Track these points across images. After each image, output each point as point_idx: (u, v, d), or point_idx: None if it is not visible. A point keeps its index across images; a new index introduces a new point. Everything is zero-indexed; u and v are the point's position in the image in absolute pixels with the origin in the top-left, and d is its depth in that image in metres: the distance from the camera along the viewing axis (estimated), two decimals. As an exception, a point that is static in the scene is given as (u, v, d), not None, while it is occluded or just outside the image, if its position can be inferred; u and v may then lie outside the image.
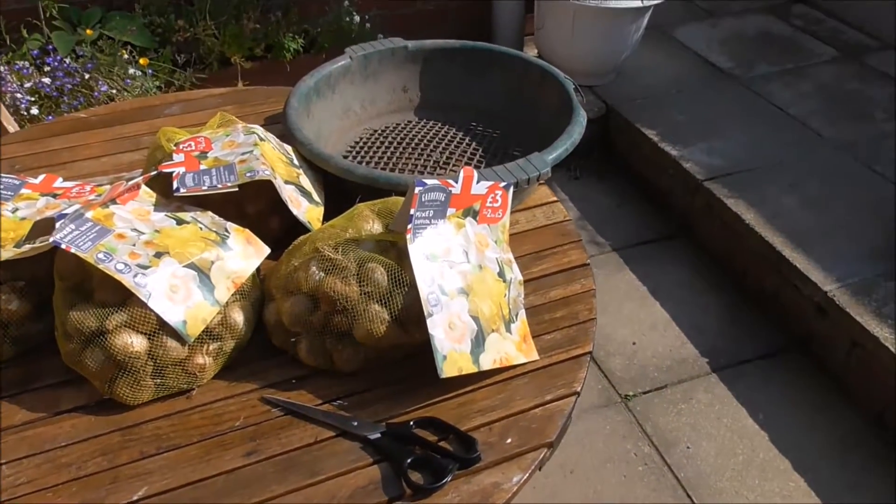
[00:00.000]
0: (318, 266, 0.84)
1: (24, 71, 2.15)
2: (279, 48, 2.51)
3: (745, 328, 2.08)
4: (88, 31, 2.26)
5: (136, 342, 0.80)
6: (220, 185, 0.90)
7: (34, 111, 2.07)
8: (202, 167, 0.94)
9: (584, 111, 1.11)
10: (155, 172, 0.92)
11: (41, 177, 1.02)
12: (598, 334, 2.11)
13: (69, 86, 2.13)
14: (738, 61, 2.90)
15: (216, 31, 2.44)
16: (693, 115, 2.58)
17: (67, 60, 2.18)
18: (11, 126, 1.88)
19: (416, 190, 0.83)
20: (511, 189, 0.90)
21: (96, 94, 2.13)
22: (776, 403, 1.87)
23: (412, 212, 0.82)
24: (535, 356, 0.88)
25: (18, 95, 2.07)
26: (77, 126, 1.33)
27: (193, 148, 0.98)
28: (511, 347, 0.86)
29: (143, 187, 0.91)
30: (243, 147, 0.98)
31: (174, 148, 0.98)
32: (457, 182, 0.87)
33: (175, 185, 0.90)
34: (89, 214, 0.83)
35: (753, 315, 2.11)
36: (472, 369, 0.82)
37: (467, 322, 0.82)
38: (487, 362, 0.83)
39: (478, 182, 0.87)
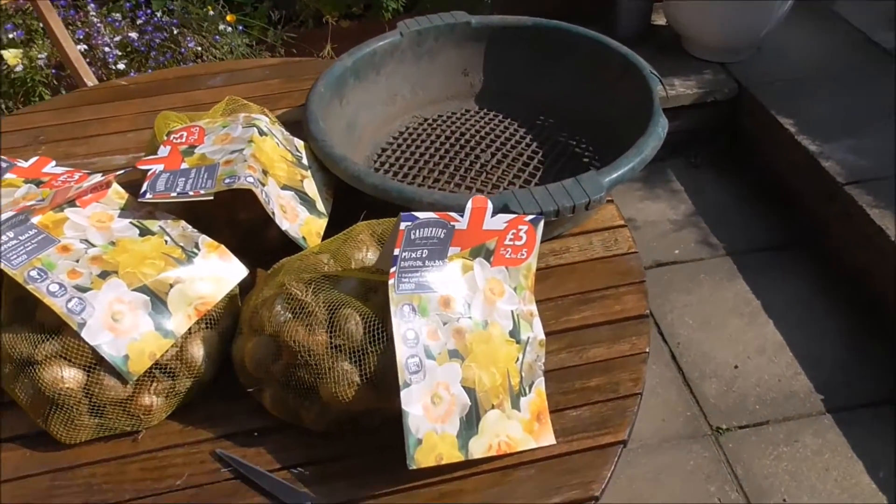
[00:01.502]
0: (283, 305, 0.68)
1: (117, 24, 2.11)
2: (378, 7, 2.35)
3: (873, 363, 1.76)
4: (181, -15, 2.19)
5: (67, 376, 0.69)
6: (191, 192, 0.76)
7: (121, 66, 2.02)
8: (183, 166, 0.80)
9: (664, 118, 0.89)
10: (121, 172, 0.79)
11: (33, 159, 0.92)
12: (695, 351, 1.87)
13: (157, 40, 2.07)
14: (906, 41, 2.47)
15: (314, -14, 2.31)
16: (842, 105, 2.20)
17: (158, 14, 2.12)
18: (90, 80, 1.84)
19: (402, 225, 0.65)
20: (540, 224, 0.70)
21: (183, 50, 2.06)
22: (901, 461, 1.57)
23: (396, 252, 0.64)
24: (549, 440, 0.69)
25: (107, 49, 2.03)
26: (114, 95, 1.23)
27: (184, 140, 0.84)
28: (517, 429, 0.67)
29: (115, 186, 0.78)
30: (236, 143, 0.83)
31: (165, 139, 0.85)
32: (463, 215, 0.68)
33: (144, 188, 0.76)
34: (35, 220, 0.72)
35: (884, 348, 1.79)
36: (457, 458, 0.64)
37: (457, 395, 0.65)
38: (480, 449, 0.65)
39: (493, 216, 0.68)
